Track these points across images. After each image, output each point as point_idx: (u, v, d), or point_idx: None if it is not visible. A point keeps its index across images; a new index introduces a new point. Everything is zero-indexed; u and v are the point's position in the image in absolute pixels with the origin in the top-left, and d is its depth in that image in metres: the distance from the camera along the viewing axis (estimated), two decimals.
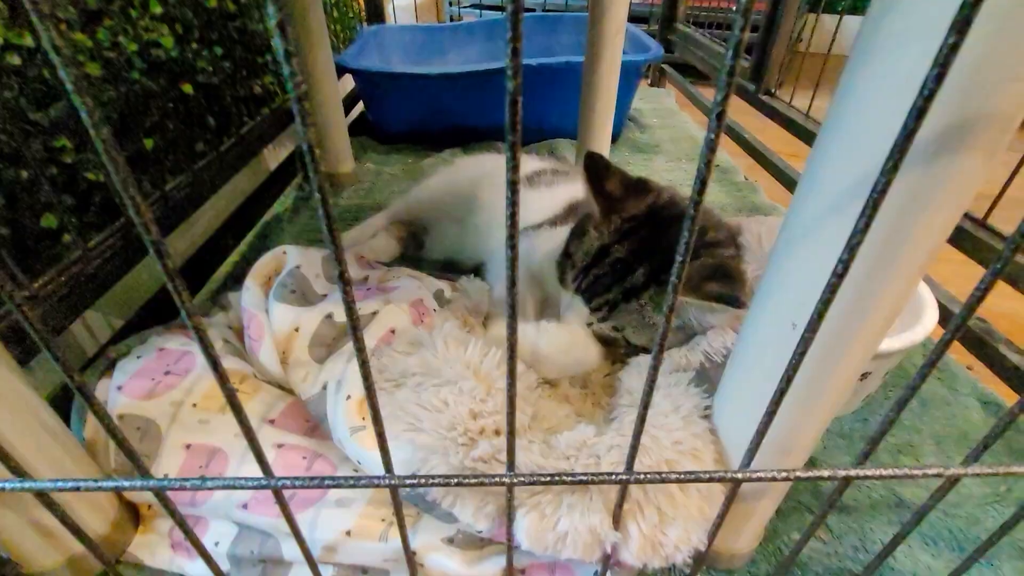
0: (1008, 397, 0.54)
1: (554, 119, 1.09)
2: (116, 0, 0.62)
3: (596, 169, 0.45)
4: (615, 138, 1.18)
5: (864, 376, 0.51)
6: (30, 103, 0.51)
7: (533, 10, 1.50)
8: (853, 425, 0.53)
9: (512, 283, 0.18)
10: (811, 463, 0.49)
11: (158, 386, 0.39)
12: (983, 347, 0.55)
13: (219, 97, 0.77)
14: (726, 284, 0.40)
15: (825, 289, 0.20)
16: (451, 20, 1.48)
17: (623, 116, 1.18)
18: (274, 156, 0.94)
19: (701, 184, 0.17)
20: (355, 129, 1.19)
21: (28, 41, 0.51)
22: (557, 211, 0.59)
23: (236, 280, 0.69)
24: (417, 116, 1.09)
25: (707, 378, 0.40)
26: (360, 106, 1.27)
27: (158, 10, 0.67)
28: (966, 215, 0.59)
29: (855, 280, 0.24)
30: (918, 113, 0.16)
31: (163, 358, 0.41)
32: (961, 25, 0.14)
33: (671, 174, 1.07)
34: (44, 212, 0.52)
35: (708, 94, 1.31)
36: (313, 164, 0.15)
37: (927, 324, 0.47)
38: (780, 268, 0.28)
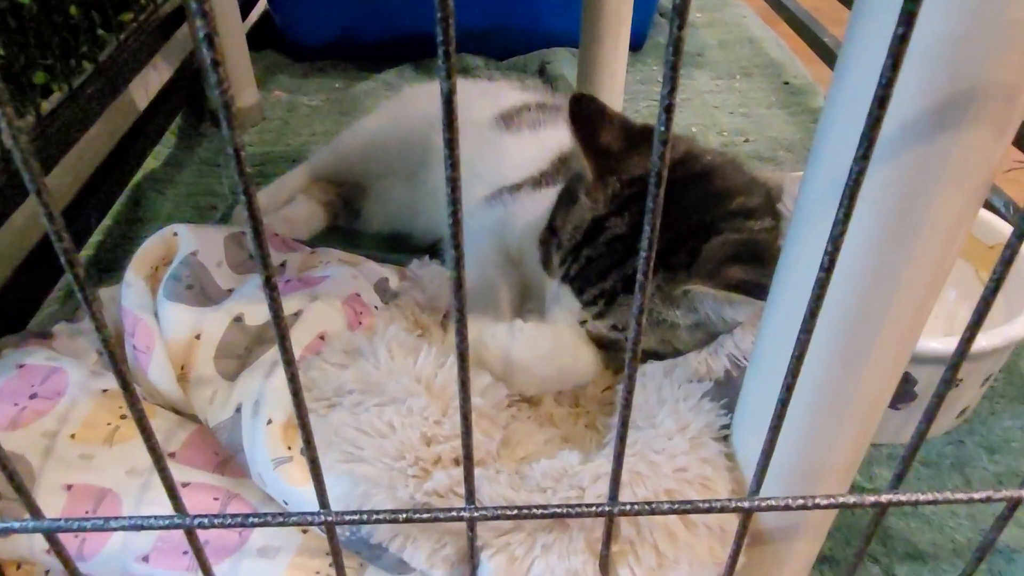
0: None
1: (548, 18, 1.14)
2: None
3: (586, 116, 0.51)
4: (638, 45, 1.24)
5: (955, 384, 0.59)
6: None
7: None
8: (943, 449, 0.62)
9: (458, 277, 0.25)
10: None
11: (23, 412, 0.46)
12: None
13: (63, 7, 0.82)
14: (753, 268, 0.47)
15: (815, 285, 0.28)
16: None
17: (649, 11, 1.24)
18: (143, 87, 0.99)
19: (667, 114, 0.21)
20: (257, 40, 1.23)
21: None
22: (543, 165, 0.65)
23: (105, 269, 0.76)
24: (346, 19, 1.14)
25: (734, 389, 0.48)
26: (263, 5, 1.31)
27: None
28: None
29: (869, 268, 0.32)
30: (880, 102, 0.23)
31: (25, 377, 0.48)
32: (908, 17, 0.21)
33: (718, 97, 1.13)
34: None
35: None
36: (239, 167, 0.22)
37: None
38: (792, 250, 0.36)
